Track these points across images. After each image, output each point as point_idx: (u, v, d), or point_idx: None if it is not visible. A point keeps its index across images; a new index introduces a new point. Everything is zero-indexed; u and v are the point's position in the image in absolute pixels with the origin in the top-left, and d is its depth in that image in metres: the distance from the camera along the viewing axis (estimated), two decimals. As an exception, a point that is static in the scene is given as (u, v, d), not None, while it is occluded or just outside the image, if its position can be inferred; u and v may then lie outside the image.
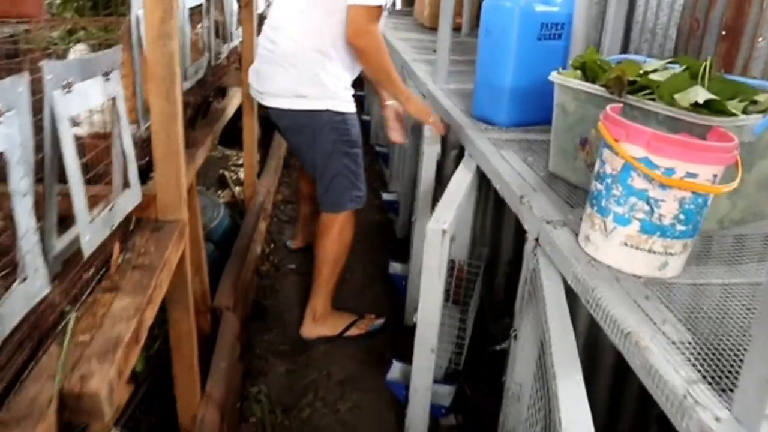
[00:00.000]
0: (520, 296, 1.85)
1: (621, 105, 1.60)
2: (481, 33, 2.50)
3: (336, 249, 2.73)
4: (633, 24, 3.04)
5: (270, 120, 2.74)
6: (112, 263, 1.44)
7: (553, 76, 1.93)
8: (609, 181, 1.46)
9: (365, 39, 2.48)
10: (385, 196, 3.88)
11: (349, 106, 2.61)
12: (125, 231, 1.58)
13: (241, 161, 4.21)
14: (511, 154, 2.21)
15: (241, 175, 4.04)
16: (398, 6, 6.87)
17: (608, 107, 1.53)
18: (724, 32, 2.51)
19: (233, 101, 3.03)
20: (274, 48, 2.59)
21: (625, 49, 3.06)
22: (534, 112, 2.52)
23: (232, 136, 4.01)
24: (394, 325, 2.90)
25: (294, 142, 2.75)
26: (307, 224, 3.37)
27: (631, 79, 1.72)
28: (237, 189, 3.87)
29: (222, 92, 3.13)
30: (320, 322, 2.80)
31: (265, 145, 4.57)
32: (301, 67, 2.53)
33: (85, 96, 1.21)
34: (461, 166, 2.40)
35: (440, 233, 1.96)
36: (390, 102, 2.92)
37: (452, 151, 3.15)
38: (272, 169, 3.88)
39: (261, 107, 2.79)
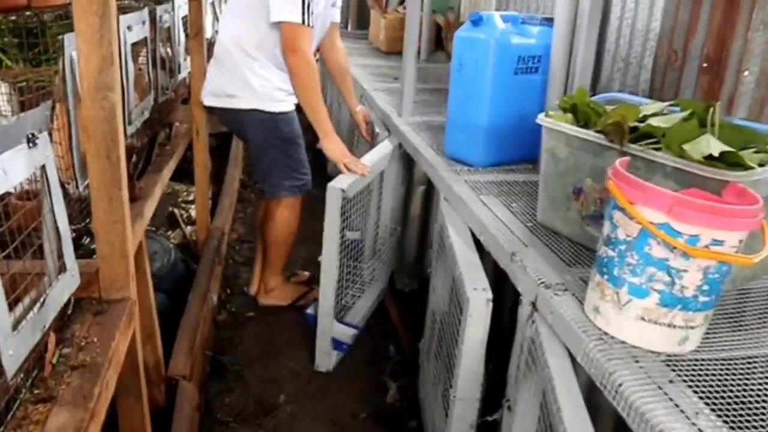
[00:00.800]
0: (515, 365, 1.66)
1: (629, 158, 1.43)
2: (453, 67, 2.33)
3: (278, 232, 2.89)
4: (604, 52, 2.92)
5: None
6: (46, 362, 1.20)
7: (542, 119, 1.76)
8: (622, 248, 1.28)
9: (292, 56, 2.54)
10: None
11: (279, 106, 2.66)
12: (62, 316, 1.34)
13: (191, 197, 3.96)
14: (493, 200, 2.03)
15: (193, 213, 3.79)
16: (349, 28, 6.68)
17: (617, 162, 1.36)
18: (705, 64, 2.39)
19: (183, 140, 2.79)
20: (216, 51, 2.73)
21: (595, 80, 2.93)
22: (513, 149, 2.36)
23: (180, 168, 3.76)
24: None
25: (237, 135, 3.05)
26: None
27: (631, 125, 1.57)
28: (188, 229, 3.62)
29: (169, 128, 2.90)
30: (273, 294, 3.05)
31: (217, 176, 4.33)
32: (230, 68, 2.65)
33: (2, 175, 0.98)
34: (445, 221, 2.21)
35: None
36: (359, 107, 3.11)
37: (419, 187, 2.98)
38: (226, 206, 3.64)
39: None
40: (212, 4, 4.22)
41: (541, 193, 1.85)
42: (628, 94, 2.04)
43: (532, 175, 2.28)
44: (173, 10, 2.80)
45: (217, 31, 4.22)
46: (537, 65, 2.29)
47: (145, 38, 2.25)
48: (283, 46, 2.54)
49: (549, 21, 2.34)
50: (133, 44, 2.17)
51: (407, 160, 2.85)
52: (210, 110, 2.84)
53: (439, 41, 4.84)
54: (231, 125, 2.89)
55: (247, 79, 2.62)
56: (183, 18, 2.95)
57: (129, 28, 2.01)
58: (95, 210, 1.37)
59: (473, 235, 1.99)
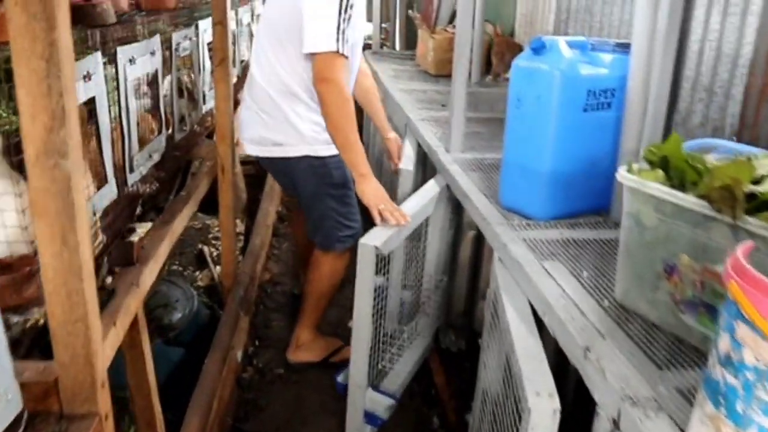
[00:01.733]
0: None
1: (752, 243, 1.07)
2: (510, 102, 1.98)
3: (323, 285, 2.70)
4: (682, 80, 2.53)
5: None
6: None
7: (624, 177, 1.40)
8: (751, 376, 0.92)
9: (324, 86, 2.23)
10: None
11: (330, 149, 2.44)
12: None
13: (224, 231, 3.69)
14: (559, 268, 1.67)
15: (224, 250, 3.51)
16: (397, 47, 6.36)
17: (738, 249, 0.99)
18: (813, 96, 2.00)
19: (205, 179, 2.51)
20: (249, 93, 2.49)
21: (671, 111, 2.55)
22: (580, 198, 2.00)
23: (213, 202, 3.48)
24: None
25: (281, 185, 2.83)
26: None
27: (746, 190, 1.20)
28: (218, 270, 3.33)
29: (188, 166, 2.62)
30: (304, 348, 2.80)
31: (252, 208, 4.05)
32: (272, 113, 2.42)
33: None
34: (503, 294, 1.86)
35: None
36: (392, 135, 2.91)
37: (470, 231, 2.64)
38: (257, 246, 3.34)
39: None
40: (249, 25, 3.96)
41: (621, 265, 1.49)
42: (723, 140, 1.66)
43: (603, 231, 1.92)
44: (196, 35, 2.52)
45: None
46: (610, 100, 1.93)
47: (156, 71, 1.97)
48: (314, 78, 2.26)
49: (624, 47, 1.98)
50: (138, 79, 1.89)
51: (456, 203, 2.51)
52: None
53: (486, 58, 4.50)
54: (278, 175, 2.69)
55: (294, 124, 2.41)
56: (209, 44, 2.68)
57: (131, 60, 1.72)
58: (50, 306, 1.06)
59: (533, 308, 1.64)
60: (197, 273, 3.35)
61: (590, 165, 1.96)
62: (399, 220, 2.17)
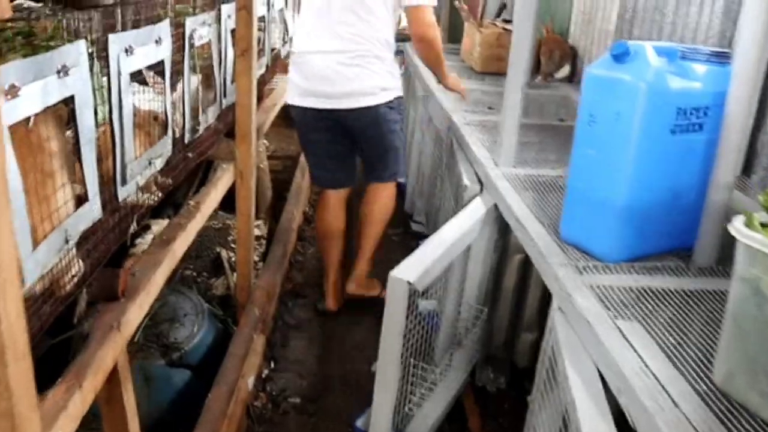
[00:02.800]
0: None
1: None
2: (580, 118, 1.65)
3: (386, 213, 3.02)
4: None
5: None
6: None
7: (740, 232, 1.07)
8: None
9: (432, 30, 2.82)
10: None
11: (401, 89, 2.94)
12: None
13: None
14: (638, 330, 1.35)
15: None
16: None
17: None
18: None
19: (223, 180, 2.22)
20: (353, 48, 2.71)
21: (757, 128, 2.21)
22: (659, 236, 1.68)
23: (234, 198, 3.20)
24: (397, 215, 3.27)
25: (370, 134, 2.88)
26: (339, 277, 3.07)
27: None
28: (235, 277, 3.05)
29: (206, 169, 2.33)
30: (364, 282, 3.03)
31: (278, 208, 3.77)
32: (386, 61, 2.79)
33: None
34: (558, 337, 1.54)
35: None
36: (452, 74, 3.25)
37: (516, 256, 2.31)
38: (278, 256, 3.04)
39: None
40: (282, 11, 3.66)
41: (726, 342, 1.16)
42: None
43: (687, 280, 1.59)
44: (218, 21, 2.22)
45: (288, 41, 3.69)
46: (702, 120, 1.59)
47: (162, 62, 1.67)
48: (417, 27, 2.79)
49: (721, 57, 1.64)
50: (147, 68, 1.61)
51: (503, 223, 2.19)
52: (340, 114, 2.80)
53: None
54: (375, 122, 2.83)
55: (390, 71, 2.83)
56: (233, 31, 2.38)
57: (128, 50, 1.43)
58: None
59: (601, 375, 1.32)
60: (213, 280, 3.07)
61: (673, 197, 1.63)
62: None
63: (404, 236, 3.75)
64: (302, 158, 4.10)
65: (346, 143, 2.94)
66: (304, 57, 2.76)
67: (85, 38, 1.26)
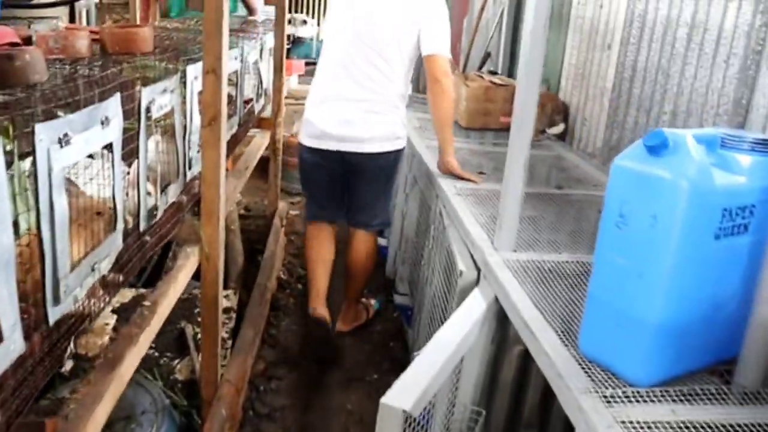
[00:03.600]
0: None
1: None
2: (606, 218, 1.40)
3: (370, 264, 3.20)
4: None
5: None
6: None
7: None
8: None
9: (447, 80, 2.89)
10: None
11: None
12: None
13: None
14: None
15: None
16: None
17: None
18: None
19: (186, 268, 1.94)
20: (374, 98, 2.91)
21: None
22: (694, 354, 1.42)
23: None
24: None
25: (373, 177, 3.03)
26: (326, 296, 3.16)
27: None
28: (201, 357, 2.74)
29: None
30: (353, 317, 3.28)
31: (249, 278, 3.49)
32: (400, 111, 2.99)
33: None
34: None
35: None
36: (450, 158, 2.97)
37: (515, 347, 2.05)
38: (248, 339, 2.72)
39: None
40: (256, 63, 3.41)
41: None
42: None
43: (731, 410, 1.34)
44: (182, 84, 1.97)
45: (262, 93, 3.46)
46: (748, 220, 1.36)
47: (111, 144, 1.40)
48: (437, 73, 2.87)
49: (765, 144, 1.41)
50: (82, 160, 1.34)
51: (502, 314, 1.93)
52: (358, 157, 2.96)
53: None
54: (381, 167, 3.01)
55: (402, 121, 3.02)
56: (200, 93, 2.12)
57: (63, 140, 1.16)
58: None
59: None
60: (176, 362, 2.76)
61: (714, 309, 1.39)
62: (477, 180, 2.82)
63: (387, 306, 3.49)
64: (276, 219, 3.84)
65: (342, 186, 3.11)
66: (328, 103, 2.95)
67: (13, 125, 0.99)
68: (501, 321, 2.01)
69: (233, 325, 3.04)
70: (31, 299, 1.13)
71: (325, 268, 3.15)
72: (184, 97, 2.01)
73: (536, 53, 1.84)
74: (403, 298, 3.20)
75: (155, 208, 1.72)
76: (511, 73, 4.71)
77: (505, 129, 3.90)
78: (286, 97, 6.47)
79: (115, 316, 3.02)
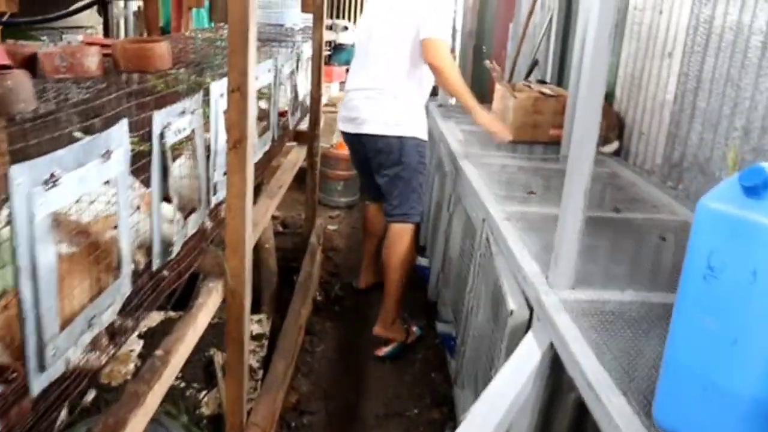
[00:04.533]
0: None
1: None
2: (688, 267, 1.18)
3: (405, 255, 3.17)
4: None
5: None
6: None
7: None
8: None
9: (441, 60, 2.98)
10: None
11: (425, 134, 3.19)
12: None
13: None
14: None
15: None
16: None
17: None
18: None
19: (207, 305, 1.76)
20: (372, 85, 3.13)
21: None
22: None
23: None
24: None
25: (380, 161, 3.17)
26: (372, 262, 3.68)
27: None
28: (229, 391, 2.57)
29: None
30: (391, 326, 3.22)
31: (282, 298, 3.32)
32: (401, 99, 3.10)
33: None
34: None
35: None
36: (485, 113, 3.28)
37: (570, 395, 1.83)
38: (280, 372, 2.54)
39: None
40: (292, 74, 3.24)
41: None
42: None
43: None
44: (206, 103, 1.80)
45: (297, 107, 3.32)
46: None
47: (116, 179, 1.23)
48: (432, 57, 2.98)
49: None
50: (73, 205, 1.17)
51: (557, 362, 1.71)
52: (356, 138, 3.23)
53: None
54: (385, 150, 3.12)
55: (410, 109, 3.13)
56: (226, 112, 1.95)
57: (49, 182, 0.99)
58: None
59: None
60: (203, 393, 2.60)
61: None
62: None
63: (428, 331, 3.28)
64: (313, 237, 3.66)
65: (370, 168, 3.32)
66: (348, 95, 3.29)
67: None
68: (555, 366, 1.80)
69: (265, 354, 2.87)
70: (12, 369, 0.96)
71: (371, 242, 3.63)
72: (208, 117, 1.84)
73: (599, 68, 1.62)
74: (445, 326, 2.99)
75: (171, 245, 1.55)
76: (560, 82, 4.47)
77: (555, 142, 3.69)
78: (326, 105, 6.30)
79: (141, 342, 2.88)
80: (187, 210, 1.73)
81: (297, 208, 4.62)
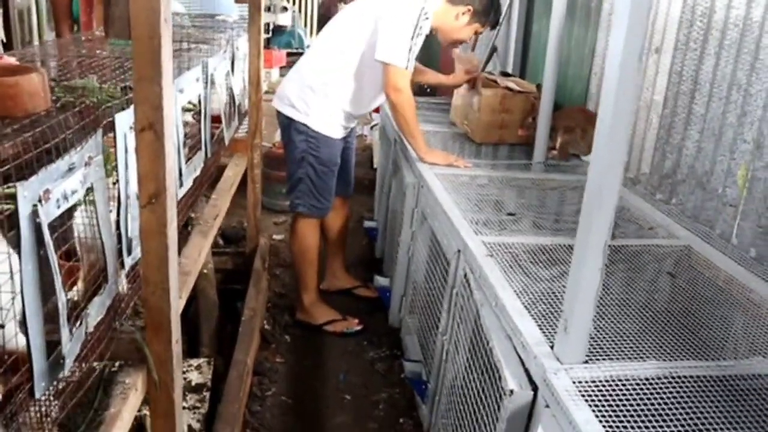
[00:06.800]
0: None
1: None
2: None
3: (298, 246, 3.17)
4: None
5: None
6: None
7: None
8: None
9: (396, 95, 2.84)
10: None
11: (326, 130, 2.99)
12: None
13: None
14: None
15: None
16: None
17: None
18: None
19: (126, 411, 1.34)
20: (298, 74, 3.06)
21: None
22: None
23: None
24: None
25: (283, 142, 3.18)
26: (335, 266, 3.57)
27: None
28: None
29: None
30: (306, 310, 3.23)
31: (224, 332, 2.91)
32: (315, 95, 2.95)
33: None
34: None
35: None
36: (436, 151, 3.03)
37: None
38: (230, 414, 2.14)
39: None
40: (227, 76, 2.79)
41: None
42: None
43: None
44: (113, 141, 1.37)
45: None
46: None
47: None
48: (386, 85, 2.82)
49: None
50: None
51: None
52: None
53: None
54: (281, 128, 3.12)
55: (315, 101, 2.95)
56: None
57: None
58: None
59: None
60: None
61: None
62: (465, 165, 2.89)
63: (391, 363, 2.92)
64: (257, 261, 3.24)
65: None
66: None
67: None
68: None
69: (207, 410, 2.46)
70: None
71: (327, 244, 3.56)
72: (114, 161, 1.41)
73: (628, 93, 1.25)
74: (413, 366, 2.61)
75: (62, 356, 1.13)
76: (522, 73, 4.12)
77: (523, 143, 3.33)
78: (266, 92, 5.81)
79: None
80: (87, 296, 1.30)
81: (239, 213, 4.16)
